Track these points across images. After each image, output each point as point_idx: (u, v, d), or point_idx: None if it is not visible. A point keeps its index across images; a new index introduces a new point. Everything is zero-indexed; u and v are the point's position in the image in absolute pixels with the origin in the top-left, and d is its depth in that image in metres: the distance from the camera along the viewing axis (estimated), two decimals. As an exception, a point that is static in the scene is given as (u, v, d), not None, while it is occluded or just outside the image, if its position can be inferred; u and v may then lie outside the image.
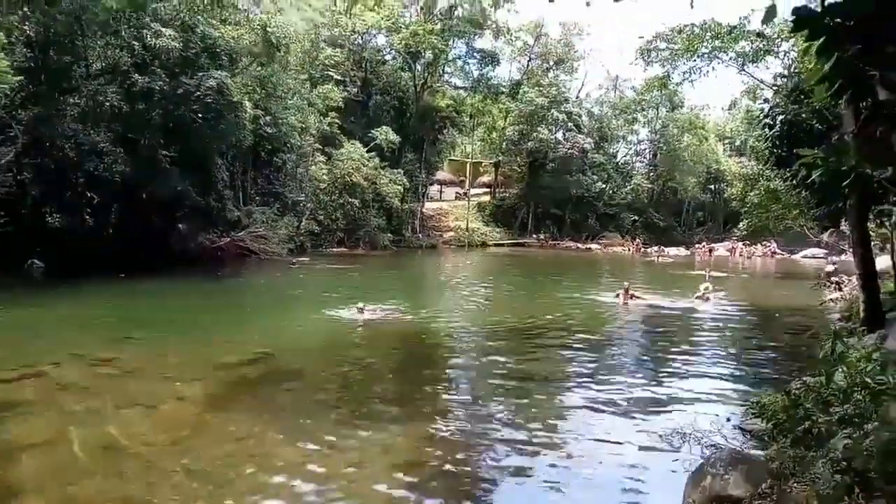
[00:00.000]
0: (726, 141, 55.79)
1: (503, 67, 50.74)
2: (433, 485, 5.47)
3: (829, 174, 3.63)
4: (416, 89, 42.66)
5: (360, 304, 13.49)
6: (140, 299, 15.91)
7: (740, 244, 43.47)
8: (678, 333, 13.26)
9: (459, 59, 46.22)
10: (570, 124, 49.40)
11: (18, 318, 12.66)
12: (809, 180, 3.69)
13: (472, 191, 53.26)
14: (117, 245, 20.31)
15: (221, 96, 21.35)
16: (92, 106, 20.37)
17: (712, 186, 57.31)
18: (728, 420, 7.06)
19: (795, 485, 4.38)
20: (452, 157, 57.33)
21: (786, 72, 17.14)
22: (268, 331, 12.33)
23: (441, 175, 54.98)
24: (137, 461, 5.77)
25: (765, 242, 42.67)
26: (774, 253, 42.54)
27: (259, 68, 26.69)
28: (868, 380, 5.02)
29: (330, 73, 36.72)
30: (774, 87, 17.26)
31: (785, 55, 20.12)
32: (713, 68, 22.83)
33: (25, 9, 18.71)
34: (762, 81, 22.67)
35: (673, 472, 5.70)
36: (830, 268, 23.03)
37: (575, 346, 11.52)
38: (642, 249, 45.17)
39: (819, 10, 3.03)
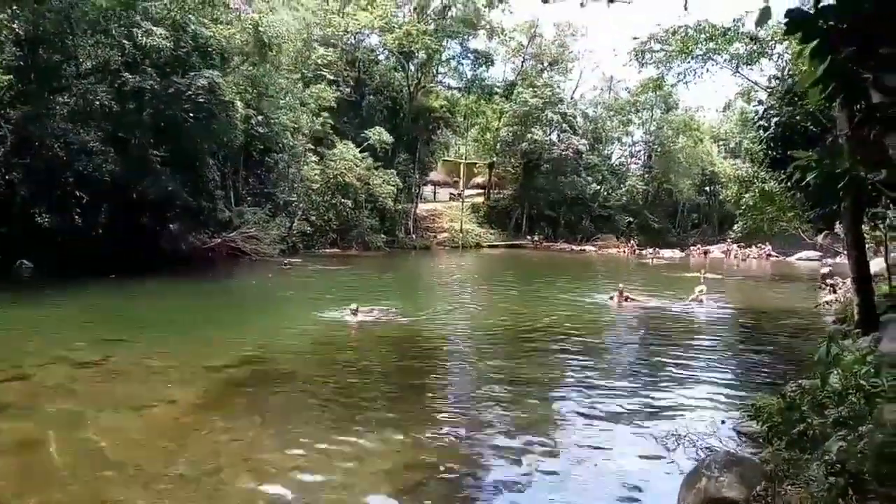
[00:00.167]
0: (721, 143, 56.05)
1: (497, 68, 51.02)
2: (427, 490, 5.39)
3: (824, 177, 3.60)
4: (409, 89, 42.63)
5: (354, 306, 13.38)
6: (130, 300, 15.77)
7: (735, 246, 43.64)
8: (673, 336, 13.24)
9: (453, 59, 46.28)
10: (564, 125, 49.48)
11: (6, 318, 12.51)
12: (804, 183, 3.66)
13: (467, 192, 53.26)
14: (107, 245, 20.15)
15: (213, 96, 21.21)
16: (82, 105, 20.20)
17: (707, 188, 57.53)
18: (723, 422, 7.02)
19: (790, 487, 4.36)
20: (446, 158, 57.31)
21: (780, 74, 17.18)
22: (259, 332, 12.22)
23: (435, 176, 54.95)
24: (125, 465, 5.66)
25: (759, 245, 42.85)
26: (769, 255, 42.72)
27: (251, 68, 26.57)
28: (862, 382, 5.01)
29: (322, 72, 36.61)
30: (769, 90, 17.30)
31: (779, 57, 20.19)
32: (707, 70, 22.91)
33: (14, 7, 18.54)
34: (756, 83, 22.75)
35: (668, 474, 5.67)
36: (825, 270, 23.13)
37: (569, 348, 11.47)
38: (637, 251, 45.27)
39: (812, 12, 3.00)
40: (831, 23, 2.92)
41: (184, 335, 11.87)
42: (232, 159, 28.50)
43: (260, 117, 27.23)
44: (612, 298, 17.12)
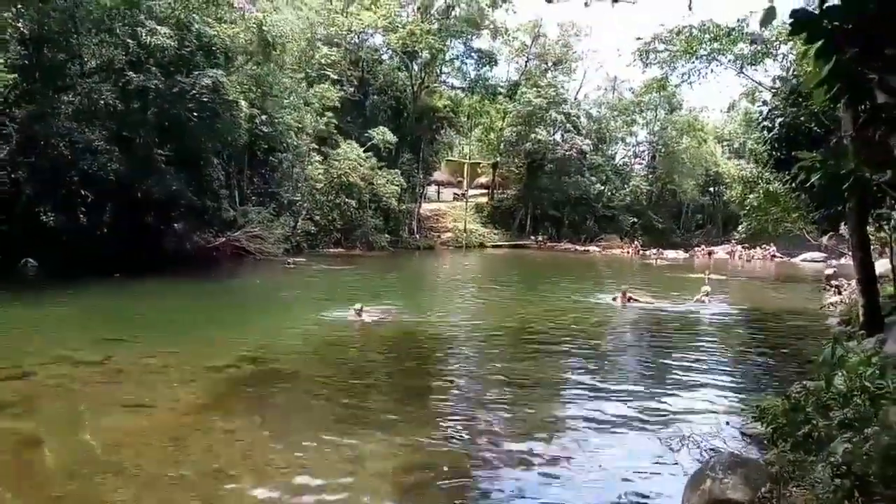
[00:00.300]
0: (725, 143, 55.89)
1: (501, 68, 50.87)
2: (428, 491, 5.39)
3: (829, 177, 3.58)
4: (413, 89, 42.61)
5: (358, 306, 13.35)
6: (133, 299, 15.80)
7: (739, 247, 43.51)
8: (677, 337, 13.20)
9: (457, 59, 46.19)
10: (568, 125, 49.40)
11: (10, 317, 12.55)
12: (808, 183, 3.64)
13: (470, 192, 53.20)
14: (112, 244, 20.18)
15: (217, 95, 21.24)
16: (86, 104, 20.25)
17: (711, 189, 57.33)
18: (727, 424, 7.00)
19: (795, 489, 4.34)
20: (450, 158, 57.27)
21: (784, 74, 17.13)
22: (263, 332, 12.24)
23: (438, 176, 54.91)
24: (126, 465, 5.66)
25: (764, 246, 42.71)
26: (774, 256, 42.57)
27: (255, 67, 26.59)
28: (867, 384, 4.98)
29: (326, 72, 36.62)
30: (773, 90, 17.25)
31: (783, 58, 20.15)
32: (712, 70, 22.88)
33: (19, 6, 18.60)
34: (761, 84, 22.69)
35: (672, 475, 5.66)
36: (829, 271, 23.06)
37: (573, 348, 11.46)
38: (641, 252, 45.17)
39: (817, 12, 2.98)
40: (836, 23, 2.90)
41: (186, 335, 11.89)
42: (236, 159, 28.54)
43: (264, 117, 27.26)
44: (615, 299, 17.09)
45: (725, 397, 8.36)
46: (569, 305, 17.14)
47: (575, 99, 55.27)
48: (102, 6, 19.58)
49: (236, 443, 6.28)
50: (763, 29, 18.63)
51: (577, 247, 47.70)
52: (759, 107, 19.08)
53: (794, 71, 15.95)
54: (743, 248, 43.19)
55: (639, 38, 23.39)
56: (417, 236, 43.26)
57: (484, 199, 53.78)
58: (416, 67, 42.60)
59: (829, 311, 15.59)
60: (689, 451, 6.14)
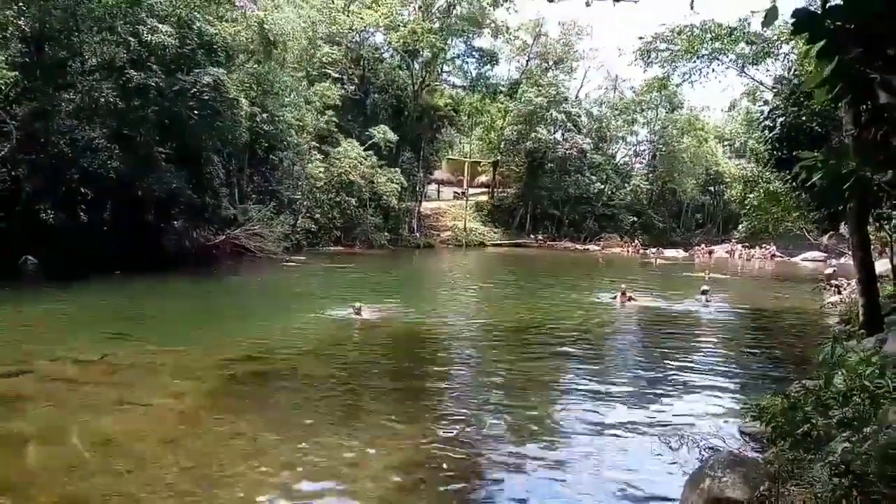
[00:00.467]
0: (726, 143, 55.83)
1: (502, 67, 50.80)
2: (429, 486, 5.41)
3: (830, 177, 3.58)
4: (414, 88, 42.57)
5: (357, 304, 13.37)
6: (134, 297, 15.82)
7: (739, 246, 43.51)
8: (676, 336, 13.22)
9: (458, 57, 46.16)
10: (568, 124, 49.40)
11: (11, 314, 12.57)
12: (809, 183, 3.64)
13: (471, 190, 53.20)
14: (112, 242, 20.17)
15: (218, 93, 21.24)
16: (87, 102, 20.26)
17: (711, 188, 57.35)
18: (726, 423, 7.02)
19: (794, 488, 4.34)
20: (450, 157, 57.24)
21: (786, 74, 17.13)
22: (263, 330, 12.25)
23: (439, 174, 54.90)
24: (130, 459, 5.69)
25: (764, 245, 42.71)
26: (774, 255, 42.57)
27: (256, 65, 26.58)
28: (867, 383, 5.00)
29: (327, 70, 36.59)
30: (774, 90, 17.24)
31: (785, 57, 20.13)
32: (713, 70, 22.85)
33: (20, 3, 18.59)
34: (762, 83, 22.68)
35: (671, 474, 5.67)
36: (829, 271, 23.07)
37: (573, 347, 11.47)
38: (641, 251, 45.18)
39: (819, 12, 2.98)
40: (838, 23, 2.90)
41: (186, 332, 11.91)
42: (236, 157, 28.52)
43: (265, 115, 27.24)
44: (614, 298, 17.10)
45: (724, 396, 8.37)
46: (568, 304, 17.15)
47: (576, 98, 55.24)
48: (104, 4, 19.55)
49: (235, 441, 6.29)
50: (765, 28, 18.60)
51: (577, 246, 47.73)
52: (760, 106, 19.09)
53: (795, 70, 15.93)
54: (743, 247, 43.19)
55: (640, 38, 23.39)
56: (417, 235, 43.25)
57: (484, 198, 53.77)
58: (417, 66, 42.54)
59: (828, 311, 15.61)
60: (688, 450, 6.15)
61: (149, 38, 19.89)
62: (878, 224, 12.12)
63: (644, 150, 58.81)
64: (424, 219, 46.41)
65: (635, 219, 52.42)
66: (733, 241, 44.42)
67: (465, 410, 7.57)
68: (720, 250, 46.07)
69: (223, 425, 6.67)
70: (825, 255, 37.08)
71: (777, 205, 15.76)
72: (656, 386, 8.88)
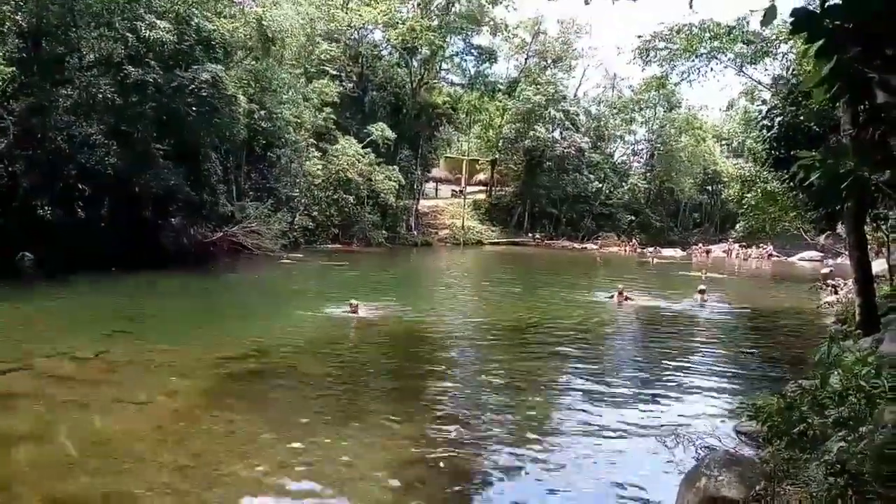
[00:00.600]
0: (724, 142, 55.88)
1: (500, 65, 50.81)
2: (426, 484, 5.41)
3: (827, 177, 3.58)
4: (412, 85, 42.51)
5: (354, 302, 13.36)
6: (131, 294, 15.78)
7: (737, 246, 43.59)
8: (673, 335, 13.24)
9: (456, 55, 46.11)
10: (567, 123, 49.39)
11: (8, 311, 12.52)
12: (807, 183, 3.64)
13: (469, 189, 53.18)
14: (109, 238, 20.10)
15: (216, 90, 21.16)
16: (85, 98, 20.16)
17: (709, 187, 57.45)
18: (723, 422, 7.04)
19: (789, 487, 4.35)
20: (449, 155, 57.21)
21: (784, 73, 17.12)
22: (260, 327, 12.24)
23: (437, 172, 54.85)
24: (127, 457, 5.69)
25: (761, 245, 42.78)
26: (771, 255, 42.66)
27: (254, 62, 26.51)
28: (863, 383, 5.01)
29: (325, 67, 36.53)
30: (772, 89, 17.25)
31: (783, 57, 20.12)
32: (711, 69, 22.84)
33: (18, -2, 18.51)
34: (760, 83, 22.69)
35: (667, 473, 5.68)
36: (826, 270, 23.12)
37: (570, 346, 11.48)
38: (638, 250, 45.24)
39: (818, 11, 2.98)
40: (837, 22, 2.90)
41: (184, 330, 11.89)
42: (234, 153, 28.44)
43: (263, 112, 27.18)
44: (611, 297, 17.12)
45: (721, 396, 8.39)
46: (565, 303, 17.17)
47: (574, 96, 55.26)
48: (102, 0, 19.47)
49: (235, 437, 6.29)
50: (764, 28, 18.60)
51: (575, 244, 47.76)
52: (758, 106, 19.10)
53: (793, 70, 15.93)
54: (740, 246, 43.26)
55: (639, 36, 23.34)
56: (415, 233, 43.22)
57: (482, 196, 53.75)
58: (415, 63, 42.49)
59: (825, 311, 15.64)
60: (685, 449, 6.16)
61: (147, 34, 19.80)
62: (874, 224, 12.15)
63: (642, 149, 58.87)
64: (422, 217, 46.38)
65: (633, 218, 52.47)
66: (730, 240, 44.51)
67: (462, 410, 7.57)
68: (717, 250, 46.16)
69: (219, 424, 6.66)
70: (822, 254, 37.15)
71: (774, 204, 15.76)
72: (653, 385, 8.89)
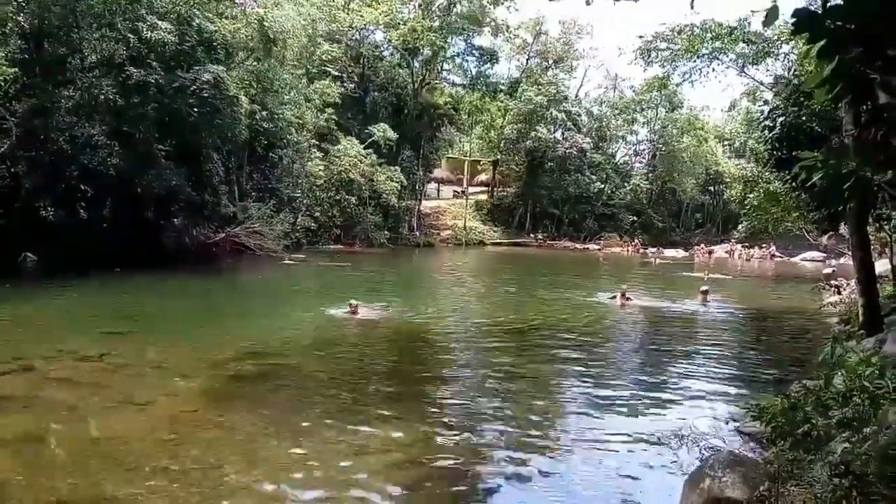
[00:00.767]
0: (725, 142, 55.79)
1: (502, 65, 50.70)
2: (428, 485, 5.40)
3: (830, 177, 3.57)
4: (414, 86, 42.51)
5: (353, 302, 13.33)
6: (133, 294, 15.80)
7: (739, 246, 43.51)
8: (676, 335, 13.22)
9: (458, 56, 46.01)
10: (568, 123, 49.38)
11: (9, 311, 12.53)
12: (809, 183, 3.63)
13: (470, 189, 53.13)
14: (111, 239, 20.16)
15: (217, 90, 21.21)
16: (87, 99, 20.23)
17: (711, 188, 57.35)
18: (726, 423, 7.02)
19: (793, 488, 4.34)
20: (450, 155, 57.19)
21: (786, 74, 17.10)
22: (261, 328, 12.24)
23: (439, 173, 54.84)
24: (126, 459, 5.68)
25: (763, 245, 42.69)
26: (773, 255, 42.57)
27: (255, 63, 26.51)
28: (867, 383, 5.00)
29: (327, 68, 36.51)
30: (774, 90, 17.21)
31: (785, 57, 20.09)
32: (713, 69, 22.80)
33: (20, 0, 18.55)
34: (762, 83, 22.64)
35: (671, 473, 5.67)
36: (828, 271, 23.07)
37: (572, 347, 11.47)
38: (640, 250, 45.18)
39: (820, 12, 2.97)
40: (839, 23, 2.89)
41: (186, 330, 11.91)
42: (236, 154, 28.48)
43: (264, 112, 27.18)
44: (614, 298, 17.09)
45: (724, 396, 8.37)
46: (567, 304, 17.14)
47: (576, 97, 55.21)
48: (103, 1, 19.52)
49: (235, 438, 6.29)
50: (765, 28, 18.57)
51: (577, 245, 47.71)
52: (760, 106, 19.08)
53: (795, 70, 15.91)
54: (742, 247, 43.15)
55: (640, 37, 23.31)
56: (417, 233, 43.22)
57: (484, 197, 53.74)
58: (416, 64, 42.47)
59: (828, 311, 15.60)
60: (688, 450, 6.14)
61: (148, 35, 19.85)
62: (877, 224, 12.12)
63: (644, 150, 58.77)
64: (424, 217, 46.37)
65: (635, 218, 52.41)
66: (733, 240, 44.39)
67: (463, 408, 7.58)
68: (720, 250, 46.07)
69: (221, 425, 6.66)
70: (825, 255, 37.07)
71: (777, 205, 15.73)
72: (655, 386, 8.87)
